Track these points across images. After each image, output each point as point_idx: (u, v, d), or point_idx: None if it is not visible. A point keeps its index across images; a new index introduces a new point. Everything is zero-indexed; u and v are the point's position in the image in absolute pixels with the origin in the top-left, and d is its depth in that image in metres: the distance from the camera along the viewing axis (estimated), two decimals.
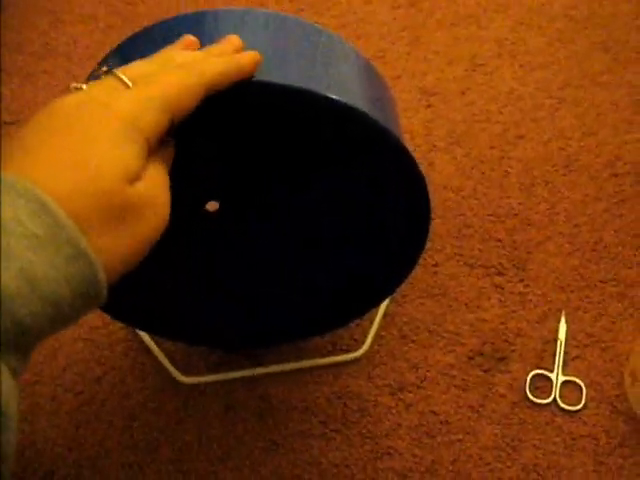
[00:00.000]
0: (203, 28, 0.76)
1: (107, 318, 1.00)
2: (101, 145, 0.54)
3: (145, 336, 0.98)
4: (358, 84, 0.77)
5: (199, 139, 0.83)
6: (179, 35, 0.74)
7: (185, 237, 0.92)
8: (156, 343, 0.98)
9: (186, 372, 0.97)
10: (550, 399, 0.97)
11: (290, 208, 0.91)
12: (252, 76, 0.69)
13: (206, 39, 0.73)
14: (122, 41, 0.79)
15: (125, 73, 0.60)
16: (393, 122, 0.79)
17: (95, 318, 1.01)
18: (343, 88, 0.74)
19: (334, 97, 0.72)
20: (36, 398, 0.95)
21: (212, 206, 0.94)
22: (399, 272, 0.89)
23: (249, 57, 0.67)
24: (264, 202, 0.90)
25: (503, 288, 1.06)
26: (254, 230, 0.94)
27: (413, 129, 1.22)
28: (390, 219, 0.88)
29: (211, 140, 0.83)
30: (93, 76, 0.78)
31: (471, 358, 1.00)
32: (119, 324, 0.99)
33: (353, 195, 0.88)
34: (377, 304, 0.92)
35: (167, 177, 0.62)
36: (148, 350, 0.98)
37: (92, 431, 0.93)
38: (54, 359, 0.98)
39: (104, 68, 0.76)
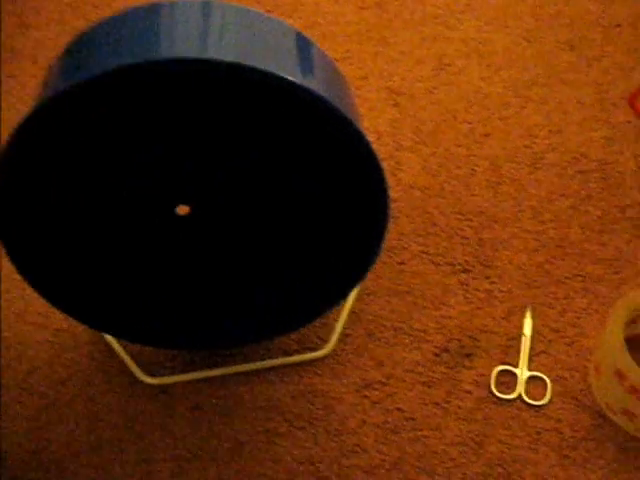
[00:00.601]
0: (158, 19, 0.76)
1: (72, 321, 1.00)
2: None
3: (110, 338, 0.98)
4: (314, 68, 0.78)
5: (165, 139, 0.83)
6: (132, 28, 0.75)
7: (152, 240, 0.93)
8: (121, 345, 0.98)
9: (152, 373, 0.97)
10: (515, 394, 0.97)
11: (254, 208, 0.92)
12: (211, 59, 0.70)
13: (162, 30, 0.73)
14: (78, 34, 0.79)
15: None
16: (350, 109, 0.80)
17: (60, 321, 1.01)
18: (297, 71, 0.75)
19: (294, 80, 0.72)
20: (1, 402, 0.95)
21: (182, 210, 0.94)
22: (358, 269, 0.90)
23: None
24: (231, 205, 0.91)
25: (469, 285, 1.06)
26: (220, 233, 0.94)
27: (380, 129, 1.22)
28: (349, 216, 0.89)
29: (177, 138, 0.83)
30: (48, 74, 0.78)
31: (437, 355, 1.00)
32: (84, 326, 0.98)
33: (313, 190, 0.88)
34: (334, 304, 0.92)
35: None
36: (113, 352, 0.98)
37: (57, 433, 0.93)
38: (19, 363, 0.98)
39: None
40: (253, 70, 0.72)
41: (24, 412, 0.95)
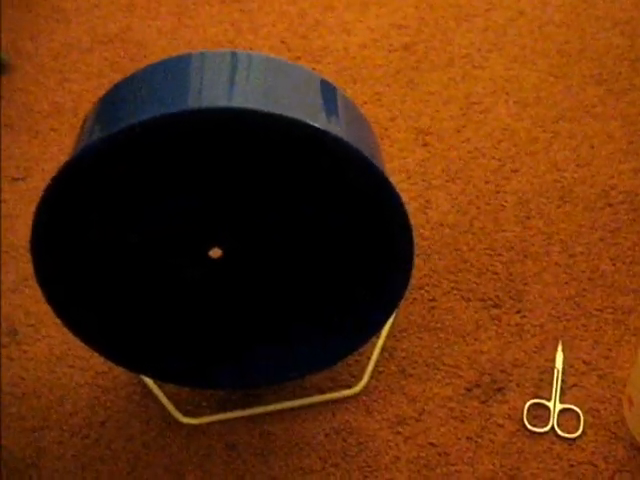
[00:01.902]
0: (187, 70, 0.80)
1: (111, 363, 1.03)
2: None
3: (148, 379, 1.01)
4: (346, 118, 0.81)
5: (196, 186, 0.87)
6: (162, 80, 0.78)
7: (187, 282, 0.96)
8: (158, 386, 1.01)
9: (188, 413, 0.99)
10: (548, 427, 0.98)
11: (285, 250, 0.94)
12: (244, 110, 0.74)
13: (195, 81, 0.77)
14: (109, 89, 0.83)
15: None
16: (373, 152, 0.82)
17: (100, 364, 1.04)
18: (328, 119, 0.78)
19: (328, 130, 0.75)
20: (43, 443, 0.98)
21: (215, 253, 0.98)
22: (386, 308, 0.91)
23: None
24: (262, 248, 0.94)
25: (500, 320, 1.07)
26: (252, 274, 0.97)
27: (409, 168, 1.25)
28: (377, 256, 0.91)
29: (208, 184, 0.86)
30: (82, 128, 0.82)
31: (469, 390, 1.01)
32: (122, 369, 1.01)
33: (341, 232, 0.91)
34: (365, 341, 0.94)
35: None
36: (151, 393, 1.01)
37: (98, 473, 0.96)
38: (61, 405, 1.01)
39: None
40: (275, 117, 0.75)
41: (66, 453, 0.97)
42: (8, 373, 1.03)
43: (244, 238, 0.92)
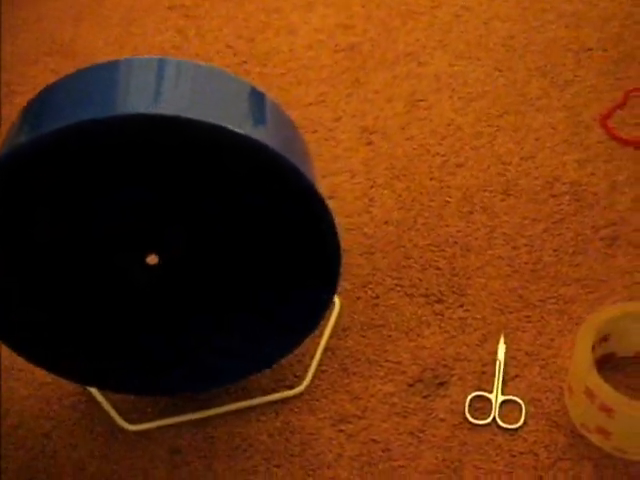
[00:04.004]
0: (118, 76, 0.80)
1: None
2: None
3: (92, 389, 1.01)
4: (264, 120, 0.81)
5: (123, 190, 0.87)
6: (94, 84, 0.79)
7: (127, 289, 0.96)
8: (103, 394, 1.01)
9: (133, 420, 1.00)
10: (490, 419, 0.99)
11: (219, 255, 0.95)
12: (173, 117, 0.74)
13: (121, 87, 0.77)
14: (39, 93, 0.83)
15: None
16: (299, 157, 0.83)
17: (44, 375, 1.04)
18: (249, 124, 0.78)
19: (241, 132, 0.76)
20: None
21: (152, 260, 0.98)
22: (321, 306, 0.92)
23: None
24: (196, 253, 0.94)
25: (443, 315, 1.08)
26: (189, 279, 0.97)
27: (353, 168, 1.25)
28: (305, 256, 0.91)
29: (136, 189, 0.87)
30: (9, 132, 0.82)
31: (411, 385, 1.02)
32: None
33: (271, 235, 0.91)
34: (298, 344, 0.95)
35: None
36: (95, 401, 1.01)
37: None
38: (5, 418, 1.01)
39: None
40: (200, 123, 0.75)
41: (11, 466, 0.98)
42: None
43: (179, 241, 0.93)
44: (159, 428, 0.99)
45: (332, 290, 0.90)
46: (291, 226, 0.89)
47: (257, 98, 0.84)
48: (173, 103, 0.76)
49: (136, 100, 0.77)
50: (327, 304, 0.91)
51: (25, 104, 0.84)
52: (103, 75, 0.80)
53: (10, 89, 1.40)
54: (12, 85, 1.40)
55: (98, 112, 0.75)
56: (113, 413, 1.00)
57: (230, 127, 0.76)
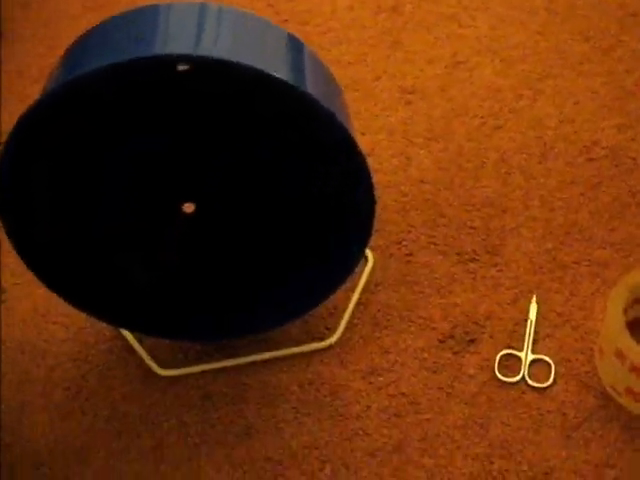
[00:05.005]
0: (158, 19, 0.81)
1: (93, 319, 1.06)
2: None
3: (127, 334, 1.03)
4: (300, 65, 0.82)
5: (163, 136, 0.89)
6: (135, 28, 0.80)
7: (163, 236, 0.98)
8: (137, 339, 1.03)
9: (166, 365, 1.02)
10: (519, 377, 0.99)
11: (253, 203, 0.96)
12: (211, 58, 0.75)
13: (161, 30, 0.78)
14: (80, 36, 0.85)
15: None
16: (335, 105, 0.83)
17: (83, 320, 1.06)
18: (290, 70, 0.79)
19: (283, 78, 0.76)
20: (26, 395, 1.01)
21: (188, 208, 1.00)
22: (353, 259, 0.93)
23: None
24: (231, 201, 0.96)
25: (476, 274, 1.08)
26: (224, 227, 0.99)
27: (392, 127, 1.25)
28: (342, 204, 0.92)
29: (175, 135, 0.88)
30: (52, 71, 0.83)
31: (442, 341, 1.02)
32: (104, 324, 1.04)
33: (308, 182, 0.92)
34: (329, 296, 0.96)
35: None
36: (130, 347, 1.03)
37: (78, 423, 0.98)
38: (43, 359, 1.04)
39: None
40: (240, 67, 0.76)
41: (49, 405, 1.00)
42: None
43: (214, 190, 0.94)
44: (191, 374, 1.01)
45: (365, 242, 0.90)
46: (327, 176, 0.90)
47: (296, 46, 0.84)
48: (213, 46, 0.77)
49: (176, 43, 0.78)
50: (359, 256, 0.92)
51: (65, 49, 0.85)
52: (143, 18, 0.81)
53: (54, 43, 1.41)
54: (55, 39, 1.42)
55: (138, 53, 0.75)
56: (147, 358, 1.01)
57: (270, 72, 0.77)
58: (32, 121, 0.79)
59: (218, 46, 0.78)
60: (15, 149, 0.81)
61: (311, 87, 0.80)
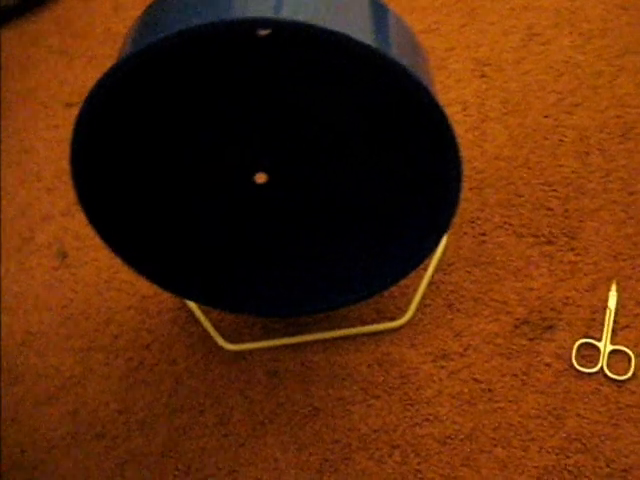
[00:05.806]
0: None
1: (157, 288, 1.03)
2: None
3: (193, 305, 1.01)
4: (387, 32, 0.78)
5: (239, 103, 0.85)
6: None
7: (234, 207, 0.95)
8: (203, 312, 1.01)
9: (231, 340, 0.99)
10: (597, 368, 0.95)
11: (330, 176, 0.92)
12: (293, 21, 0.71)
13: None
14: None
15: None
16: (423, 73, 0.79)
17: (146, 288, 1.04)
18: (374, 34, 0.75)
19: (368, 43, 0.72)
20: (90, 363, 0.99)
21: (260, 178, 0.96)
22: (433, 236, 0.89)
23: None
24: (308, 173, 0.92)
25: (553, 257, 1.04)
26: (298, 200, 0.95)
27: (466, 100, 1.21)
28: (424, 181, 0.88)
29: (251, 102, 0.85)
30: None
31: (517, 327, 0.99)
32: (168, 294, 1.01)
33: (388, 153, 0.88)
34: (409, 272, 0.92)
35: None
36: (195, 318, 1.01)
37: (141, 395, 0.96)
38: (107, 327, 1.02)
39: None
40: (325, 32, 0.72)
41: (111, 373, 0.98)
42: (57, 295, 1.04)
43: (290, 160, 0.91)
44: (257, 350, 0.99)
45: (449, 222, 0.87)
46: (410, 150, 0.86)
47: (381, 11, 0.80)
48: (296, 10, 0.73)
49: (257, 5, 0.74)
50: (441, 236, 0.88)
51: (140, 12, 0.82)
52: None
53: (118, 3, 1.38)
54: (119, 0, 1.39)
55: (215, 16, 0.72)
56: (212, 331, 0.99)
57: (355, 37, 0.72)
58: (111, 83, 0.76)
59: (301, 9, 0.74)
60: (92, 111, 0.78)
61: (397, 54, 0.76)
